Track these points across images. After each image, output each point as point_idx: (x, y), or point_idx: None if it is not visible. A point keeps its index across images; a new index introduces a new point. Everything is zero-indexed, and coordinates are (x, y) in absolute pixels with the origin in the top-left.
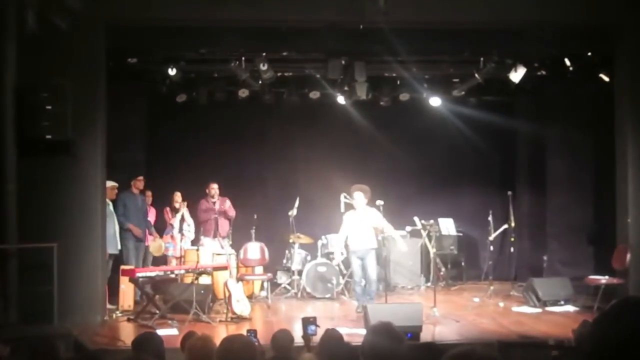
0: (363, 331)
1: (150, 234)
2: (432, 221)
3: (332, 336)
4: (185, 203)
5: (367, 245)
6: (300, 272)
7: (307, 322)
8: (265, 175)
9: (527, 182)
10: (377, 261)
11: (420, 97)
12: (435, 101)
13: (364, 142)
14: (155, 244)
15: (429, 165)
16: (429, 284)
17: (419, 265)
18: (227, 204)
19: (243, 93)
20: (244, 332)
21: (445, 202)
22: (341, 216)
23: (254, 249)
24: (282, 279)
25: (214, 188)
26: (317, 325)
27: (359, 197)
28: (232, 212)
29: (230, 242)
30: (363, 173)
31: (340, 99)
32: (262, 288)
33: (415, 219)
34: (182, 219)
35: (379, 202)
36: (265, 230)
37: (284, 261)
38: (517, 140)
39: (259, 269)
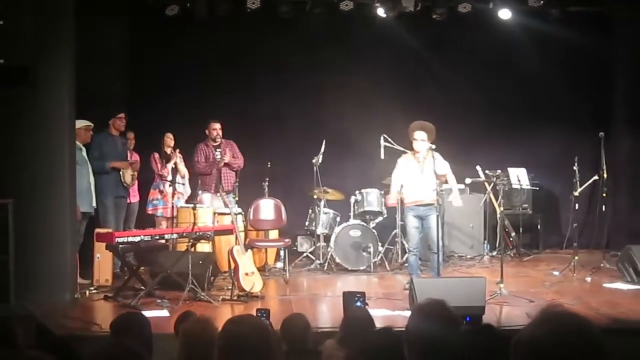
0: (408, 314)
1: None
2: (499, 171)
3: (357, 317)
4: (178, 152)
5: (430, 201)
6: (327, 238)
7: (352, 298)
8: (282, 111)
9: (626, 121)
10: None
11: (486, 9)
12: (505, 13)
13: (411, 69)
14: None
15: (496, 99)
16: (494, 252)
17: (481, 228)
18: (236, 150)
19: (253, 4)
20: (254, 313)
21: (517, 146)
22: (380, 165)
23: (267, 208)
24: (304, 246)
25: (216, 129)
26: (365, 303)
27: (421, 138)
28: (239, 161)
29: (237, 198)
30: (410, 109)
31: (380, 11)
32: (277, 258)
33: (478, 168)
34: (175, 169)
35: (429, 146)
36: (282, 183)
37: (306, 223)
38: (613, 65)
39: (274, 234)
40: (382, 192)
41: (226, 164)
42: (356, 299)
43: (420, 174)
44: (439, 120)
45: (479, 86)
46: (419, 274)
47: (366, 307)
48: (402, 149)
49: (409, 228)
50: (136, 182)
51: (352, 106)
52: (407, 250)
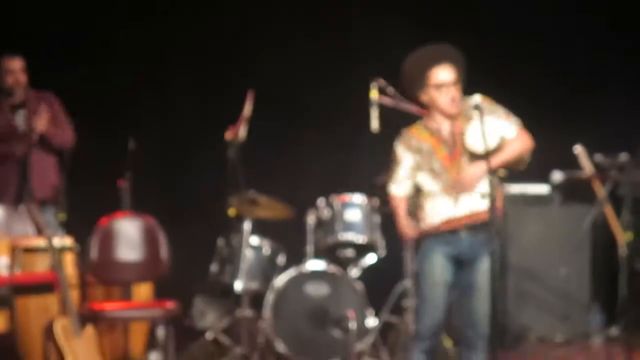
0: None
1: None
2: (624, 156)
3: None
4: None
5: (476, 217)
6: (257, 299)
7: None
8: (161, 35)
9: None
10: None
11: None
12: None
13: None
14: None
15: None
16: (614, 330)
17: (586, 278)
18: (59, 112)
19: None
20: None
21: None
22: (370, 146)
23: (129, 236)
24: (208, 317)
25: (14, 71)
26: None
27: (447, 80)
28: (65, 132)
29: (63, 216)
30: (436, 34)
31: None
32: (150, 342)
33: (578, 150)
34: None
35: (477, 103)
36: (159, 186)
37: (213, 268)
38: None
39: (143, 292)
40: (377, 200)
41: (42, 137)
42: None
43: (449, 162)
44: (495, 63)
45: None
46: None
47: None
48: (413, 109)
49: (427, 285)
50: None
51: (311, 23)
52: (413, 337)
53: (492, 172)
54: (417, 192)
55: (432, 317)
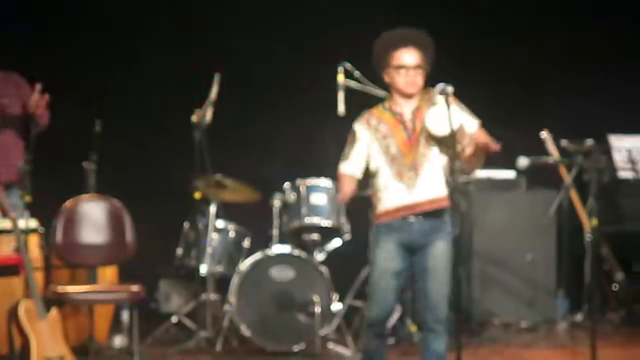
0: None
1: None
2: (589, 142)
3: None
4: None
5: (430, 205)
6: (222, 283)
7: None
8: (128, 14)
9: None
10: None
11: None
12: None
13: None
14: None
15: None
16: (578, 316)
17: (552, 264)
18: (27, 91)
19: None
20: None
21: (626, 92)
22: (336, 129)
23: (94, 218)
24: (173, 300)
25: None
26: None
27: (411, 62)
28: (43, 120)
29: (28, 198)
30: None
31: None
32: (115, 326)
33: (544, 135)
34: None
35: (443, 88)
36: (127, 167)
37: (178, 252)
38: None
39: (108, 274)
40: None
41: (10, 119)
42: None
43: (407, 147)
44: (459, 47)
45: None
46: None
47: None
48: (380, 92)
49: (377, 272)
50: None
51: (278, 5)
52: (366, 325)
53: (455, 160)
54: (373, 176)
55: (383, 304)
